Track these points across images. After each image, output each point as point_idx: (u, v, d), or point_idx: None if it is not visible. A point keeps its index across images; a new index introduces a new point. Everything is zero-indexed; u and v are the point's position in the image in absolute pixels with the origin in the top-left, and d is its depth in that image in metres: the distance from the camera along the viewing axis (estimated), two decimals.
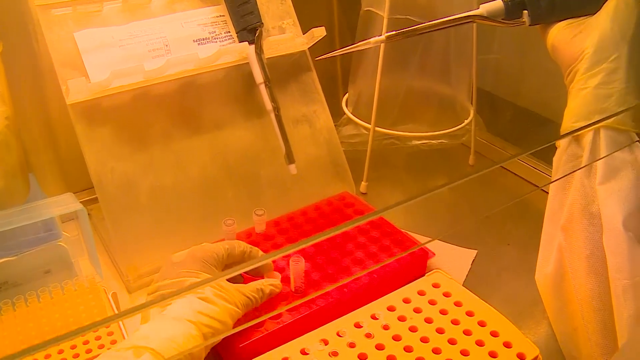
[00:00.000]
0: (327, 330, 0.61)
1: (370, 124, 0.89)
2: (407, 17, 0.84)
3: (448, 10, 0.86)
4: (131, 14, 0.78)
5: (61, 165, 0.87)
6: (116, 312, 0.62)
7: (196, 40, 0.79)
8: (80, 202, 0.66)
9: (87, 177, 0.72)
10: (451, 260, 0.76)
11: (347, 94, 1.00)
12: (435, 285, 0.67)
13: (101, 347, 0.59)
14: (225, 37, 0.81)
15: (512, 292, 0.72)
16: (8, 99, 0.66)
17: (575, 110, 0.58)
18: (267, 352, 0.59)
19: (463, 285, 0.68)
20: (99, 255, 0.70)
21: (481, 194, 0.91)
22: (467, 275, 0.74)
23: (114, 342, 0.60)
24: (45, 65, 0.78)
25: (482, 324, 0.62)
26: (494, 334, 0.61)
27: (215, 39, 0.80)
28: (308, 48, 0.87)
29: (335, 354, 0.59)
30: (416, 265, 0.72)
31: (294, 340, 0.60)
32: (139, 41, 0.76)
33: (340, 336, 0.61)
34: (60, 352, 0.58)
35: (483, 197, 0.91)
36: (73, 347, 0.59)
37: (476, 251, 0.78)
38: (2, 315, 0.61)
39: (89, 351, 0.58)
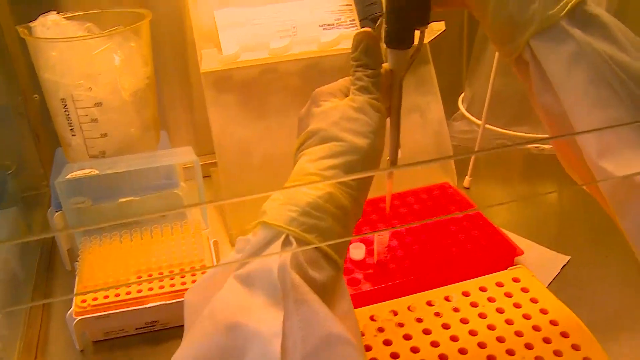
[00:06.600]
0: (399, 303, 0.64)
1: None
2: None
3: None
4: None
5: (190, 128, 0.97)
6: (214, 257, 0.69)
7: (322, 26, 0.85)
8: (203, 164, 0.74)
9: (212, 142, 0.80)
10: (540, 262, 0.75)
11: (464, 92, 1.02)
12: (515, 280, 0.68)
13: (194, 275, 0.67)
14: (349, 24, 0.86)
15: (598, 304, 0.70)
16: (150, 61, 0.76)
17: None
18: None
19: (547, 288, 0.67)
20: (212, 210, 0.78)
21: (592, 203, 0.89)
22: (553, 279, 0.73)
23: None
24: (188, 37, 0.88)
25: (554, 323, 0.62)
26: (564, 335, 0.60)
27: (339, 25, 0.86)
28: (428, 42, 0.89)
29: (401, 325, 0.62)
30: (502, 259, 0.72)
31: (364, 307, 0.64)
32: (269, 22, 0.83)
33: (410, 311, 0.64)
34: (160, 273, 0.67)
35: (594, 205, 0.88)
36: (171, 271, 0.68)
37: (569, 257, 0.77)
38: (122, 243, 0.71)
39: (182, 276, 0.67)
